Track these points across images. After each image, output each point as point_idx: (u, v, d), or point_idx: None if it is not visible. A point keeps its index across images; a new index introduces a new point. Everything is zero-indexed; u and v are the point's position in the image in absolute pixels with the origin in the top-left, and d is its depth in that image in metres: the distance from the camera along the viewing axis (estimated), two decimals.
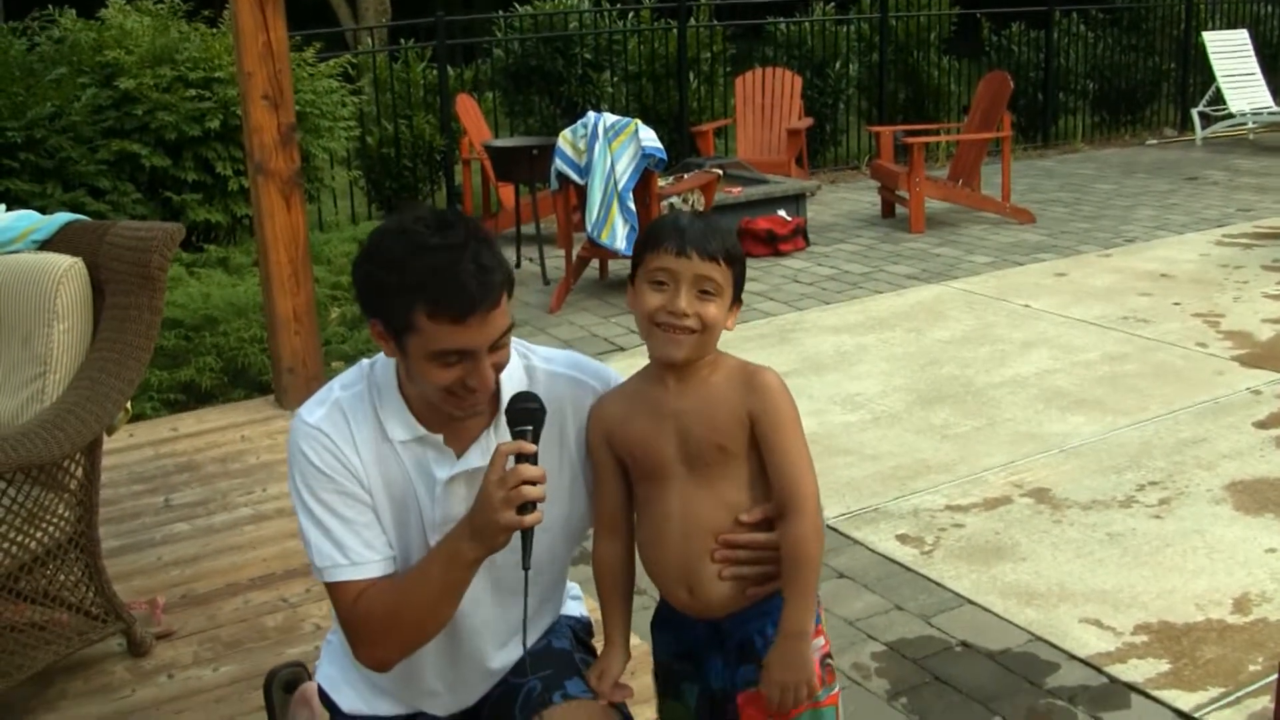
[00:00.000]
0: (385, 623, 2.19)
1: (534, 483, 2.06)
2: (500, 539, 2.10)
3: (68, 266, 3.50)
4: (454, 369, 2.08)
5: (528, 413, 2.14)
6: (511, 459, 2.08)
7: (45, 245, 3.70)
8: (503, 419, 2.20)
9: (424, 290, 2.03)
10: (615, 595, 2.37)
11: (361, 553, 2.19)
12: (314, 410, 2.24)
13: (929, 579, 4.31)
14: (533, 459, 2.09)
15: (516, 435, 2.12)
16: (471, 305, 2.03)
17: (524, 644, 2.23)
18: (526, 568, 2.10)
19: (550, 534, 2.33)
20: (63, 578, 3.42)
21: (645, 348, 2.27)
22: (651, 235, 2.19)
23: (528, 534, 2.09)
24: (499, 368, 2.14)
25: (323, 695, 2.51)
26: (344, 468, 2.19)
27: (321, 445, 2.19)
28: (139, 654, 3.61)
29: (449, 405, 2.15)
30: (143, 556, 4.22)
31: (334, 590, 2.22)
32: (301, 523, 2.22)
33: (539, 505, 2.07)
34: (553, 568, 2.43)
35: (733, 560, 2.22)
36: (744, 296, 2.27)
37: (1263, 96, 13.93)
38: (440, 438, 2.23)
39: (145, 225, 3.61)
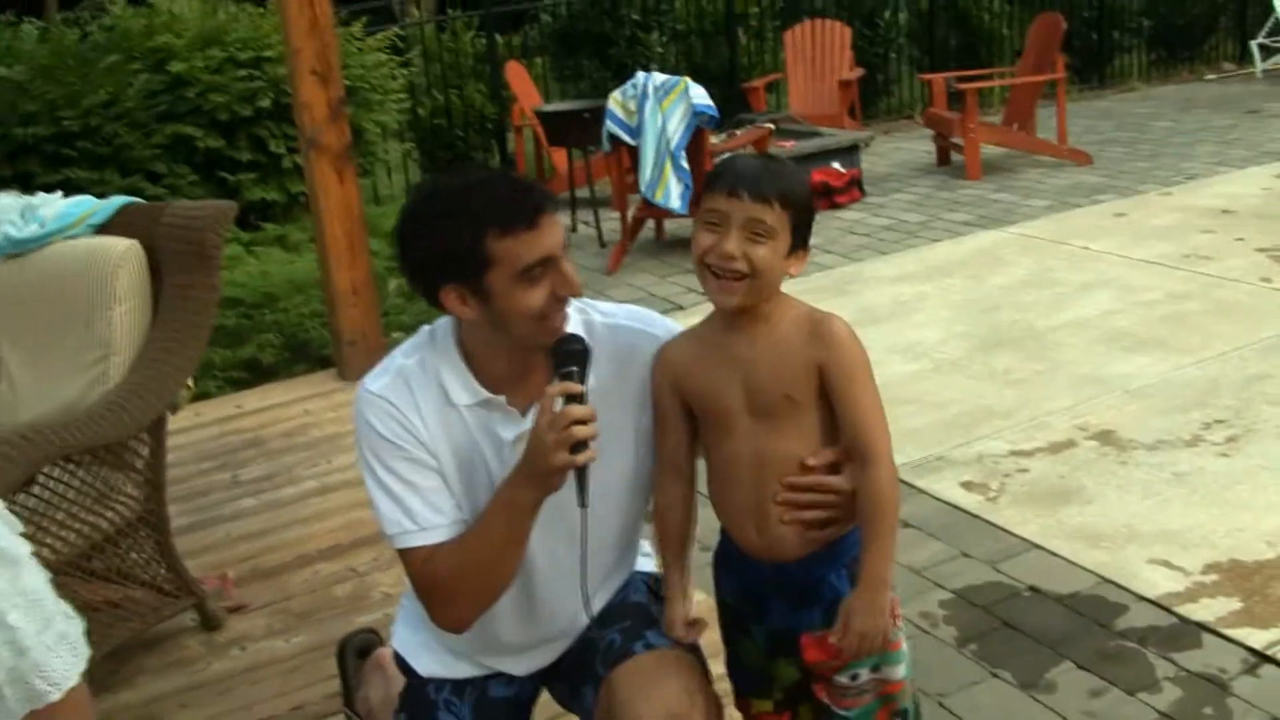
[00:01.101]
0: (455, 582, 2.20)
1: (584, 422, 2.06)
2: (555, 480, 2.11)
3: (125, 249, 3.53)
4: (541, 284, 2.12)
5: (572, 354, 2.14)
6: (560, 400, 2.08)
7: (102, 229, 3.73)
8: None
9: (488, 216, 2.09)
10: (676, 540, 2.36)
11: (429, 518, 2.21)
12: (377, 379, 2.26)
13: (995, 525, 4.28)
14: (580, 399, 2.09)
15: (562, 377, 2.11)
16: (538, 207, 2.11)
17: (583, 584, 2.24)
18: (583, 505, 2.11)
19: (619, 487, 2.35)
20: (134, 556, 3.48)
21: (704, 307, 2.26)
22: (710, 177, 2.17)
23: (582, 473, 2.10)
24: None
25: (399, 660, 2.53)
26: (409, 434, 2.21)
27: (386, 413, 2.21)
28: (212, 628, 3.68)
29: (544, 334, 2.16)
30: (212, 532, 4.29)
31: (404, 556, 2.24)
32: (370, 490, 2.24)
33: (591, 444, 2.08)
34: (624, 522, 2.44)
35: (794, 504, 2.21)
36: None
37: None
38: (503, 399, 2.24)
39: (199, 204, 3.65)
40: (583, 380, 2.12)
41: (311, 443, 4.94)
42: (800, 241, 2.18)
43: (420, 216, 2.16)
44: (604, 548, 2.41)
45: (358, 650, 2.94)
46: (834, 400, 2.19)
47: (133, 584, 3.49)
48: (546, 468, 2.08)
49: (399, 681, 2.54)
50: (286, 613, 3.76)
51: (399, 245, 2.21)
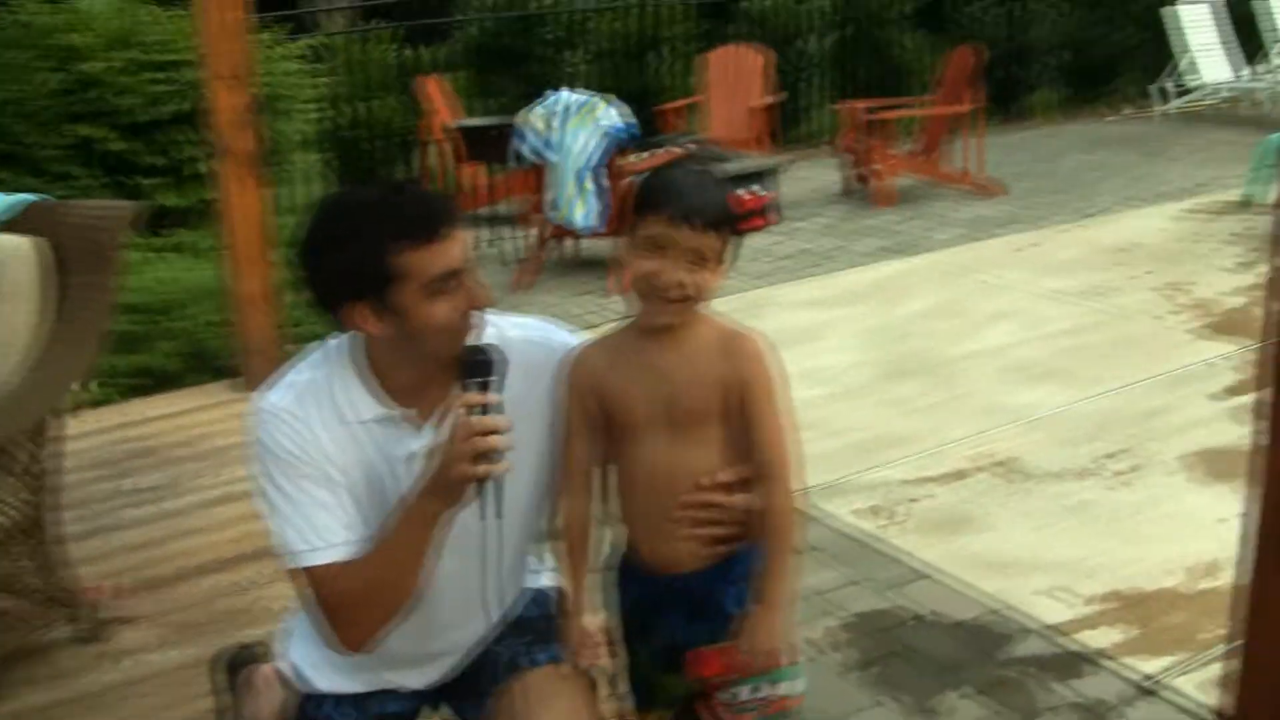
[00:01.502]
0: (358, 599, 2.16)
1: (494, 432, 2.04)
2: (459, 494, 2.08)
3: (15, 246, 3.46)
4: (450, 298, 2.09)
5: (480, 364, 2.11)
6: (463, 411, 2.06)
7: (5, 226, 3.66)
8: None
9: (394, 230, 2.06)
10: (582, 552, 2.34)
11: (335, 533, 2.16)
12: (274, 395, 2.21)
13: (892, 552, 4.30)
14: (486, 410, 2.06)
15: (470, 387, 2.08)
16: (440, 218, 2.09)
17: (483, 597, 2.25)
18: (498, 515, 2.09)
19: (524, 502, 2.33)
20: (16, 563, 3.39)
21: (611, 327, 2.28)
22: (650, 196, 2.15)
23: (487, 484, 2.07)
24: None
25: (296, 673, 2.47)
26: (306, 449, 2.16)
27: (286, 427, 2.16)
28: (97, 639, 3.59)
29: (458, 347, 2.14)
30: (101, 541, 4.19)
31: (308, 575, 2.18)
32: (268, 509, 2.19)
33: (504, 455, 2.06)
34: (525, 536, 2.41)
35: (693, 520, 2.22)
36: None
37: (1224, 70, 13.92)
38: (409, 411, 2.21)
39: (103, 204, 3.60)
40: (499, 389, 2.10)
41: (207, 453, 4.85)
42: (728, 255, 2.20)
43: (323, 234, 2.12)
44: (504, 563, 2.38)
45: (230, 665, 2.87)
46: (744, 416, 2.20)
47: (13, 593, 3.40)
48: (453, 478, 2.05)
49: (272, 699, 2.48)
50: (174, 625, 3.68)
51: (302, 264, 2.15)
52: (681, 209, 2.10)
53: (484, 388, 2.08)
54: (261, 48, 8.70)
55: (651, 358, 2.21)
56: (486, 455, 2.03)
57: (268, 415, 2.18)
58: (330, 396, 2.19)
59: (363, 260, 2.06)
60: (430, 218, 2.08)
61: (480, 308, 2.15)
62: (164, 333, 6.17)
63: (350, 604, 2.17)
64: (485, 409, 2.06)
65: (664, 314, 2.15)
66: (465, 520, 2.14)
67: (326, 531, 2.16)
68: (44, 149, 7.93)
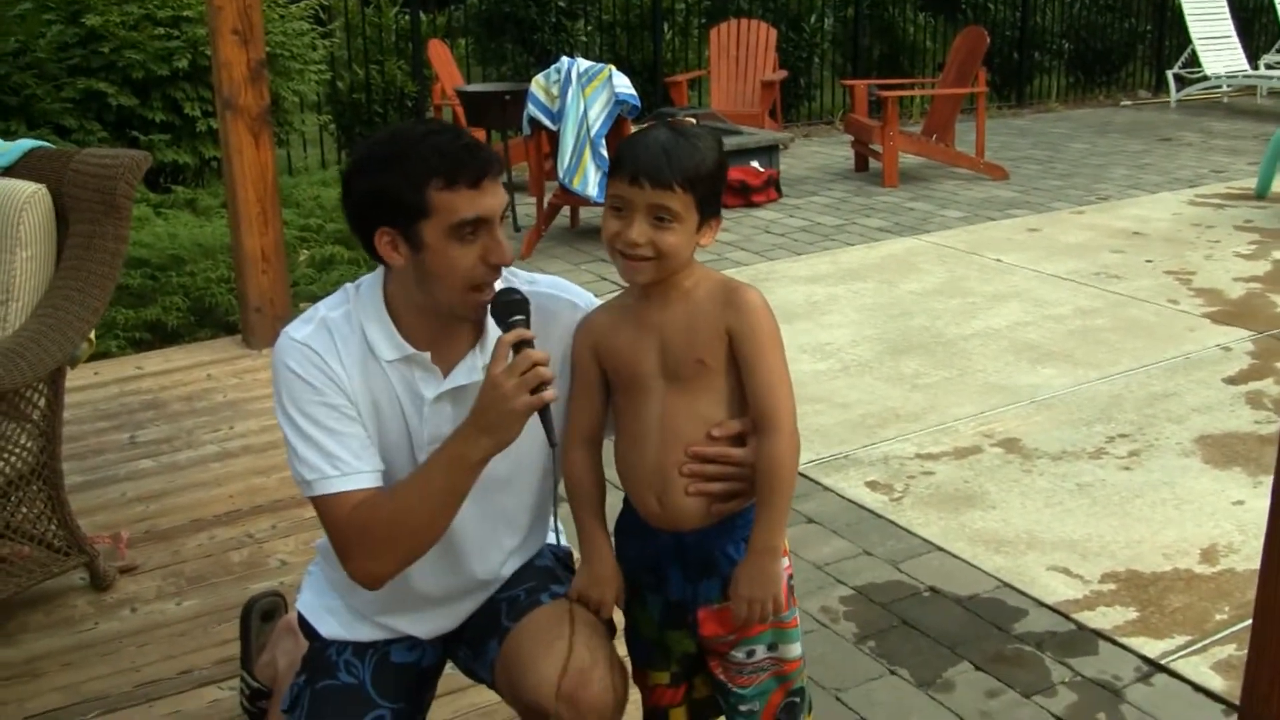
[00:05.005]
0: (383, 533, 2.16)
1: (544, 363, 2.07)
2: (515, 429, 2.10)
3: (31, 193, 3.44)
4: (473, 246, 2.13)
5: (513, 304, 2.16)
6: (511, 350, 2.08)
7: (8, 172, 3.64)
8: (489, 340, 2.23)
9: (436, 166, 2.10)
10: (593, 503, 2.34)
11: (352, 463, 2.17)
12: (300, 328, 2.24)
13: (898, 525, 4.30)
14: (530, 344, 2.10)
15: (508, 327, 2.13)
16: (484, 168, 2.13)
17: (554, 515, 2.27)
18: (554, 444, 2.14)
19: (535, 456, 2.33)
20: (25, 510, 3.38)
21: (615, 297, 2.30)
22: (614, 161, 2.18)
23: (546, 413, 2.11)
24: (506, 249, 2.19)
25: (302, 622, 2.49)
26: (331, 382, 2.19)
27: (308, 360, 2.19)
28: (102, 588, 3.59)
29: (470, 304, 2.18)
30: (107, 492, 4.19)
31: (325, 503, 2.18)
32: (289, 439, 2.20)
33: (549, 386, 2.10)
34: (538, 489, 2.42)
35: (699, 475, 2.21)
36: (716, 247, 2.25)
37: (1238, 60, 13.91)
38: (427, 355, 2.23)
39: (111, 152, 3.55)
40: (528, 326, 2.14)
41: (213, 408, 4.84)
42: (710, 213, 2.19)
43: (372, 157, 2.16)
44: (515, 516, 2.40)
45: (262, 614, 2.87)
46: (741, 367, 2.20)
47: (21, 539, 3.39)
48: (508, 414, 2.07)
49: (302, 644, 2.49)
50: (179, 576, 3.67)
51: (345, 183, 2.20)
52: (637, 168, 2.11)
53: (521, 325, 2.13)
54: (269, 6, 8.67)
55: (651, 313, 2.22)
56: (544, 385, 2.07)
57: (289, 345, 2.21)
58: (361, 333, 2.23)
59: (400, 187, 2.11)
60: (474, 163, 2.12)
61: (498, 264, 2.17)
62: (168, 288, 6.15)
63: (370, 536, 2.16)
64: (530, 343, 2.09)
65: (633, 273, 2.16)
66: (487, 481, 2.17)
67: (343, 461, 2.17)
68: (48, 101, 7.89)
